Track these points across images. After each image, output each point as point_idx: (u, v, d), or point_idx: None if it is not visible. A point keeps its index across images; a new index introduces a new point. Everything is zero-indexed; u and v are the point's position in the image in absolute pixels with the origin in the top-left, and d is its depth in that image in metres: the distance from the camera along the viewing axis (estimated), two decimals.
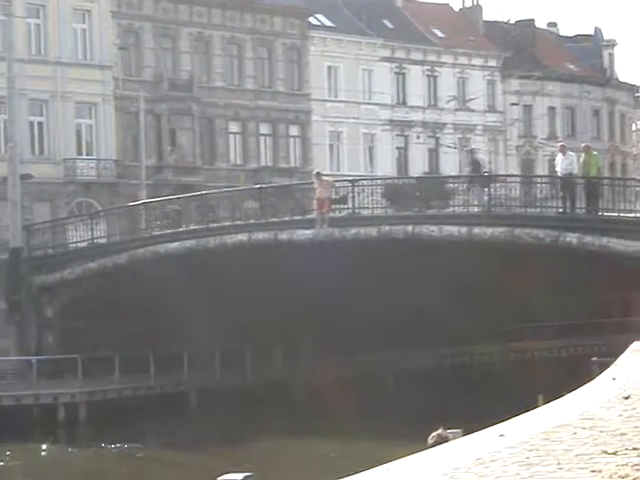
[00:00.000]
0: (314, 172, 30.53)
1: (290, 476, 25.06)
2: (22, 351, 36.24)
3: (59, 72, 44.86)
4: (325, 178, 31.47)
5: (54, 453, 29.81)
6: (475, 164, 33.29)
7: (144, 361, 34.74)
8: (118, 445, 30.12)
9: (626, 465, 6.61)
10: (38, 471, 27.97)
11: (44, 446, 30.36)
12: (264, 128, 51.77)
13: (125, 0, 47.38)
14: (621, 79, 69.02)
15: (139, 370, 34.63)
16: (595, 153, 31.35)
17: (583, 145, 31.13)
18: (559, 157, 29.95)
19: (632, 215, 28.54)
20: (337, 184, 34.37)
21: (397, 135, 56.63)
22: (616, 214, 29.07)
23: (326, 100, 53.76)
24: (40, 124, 44.80)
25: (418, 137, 56.96)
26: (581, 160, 29.68)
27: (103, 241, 37.43)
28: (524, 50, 63.25)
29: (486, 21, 63.61)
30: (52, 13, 44.95)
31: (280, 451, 29.46)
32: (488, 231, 30.03)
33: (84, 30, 46.13)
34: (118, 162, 45.87)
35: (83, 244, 37.50)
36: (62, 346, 35.27)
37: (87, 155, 45.98)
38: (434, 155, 57.80)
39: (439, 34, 59.47)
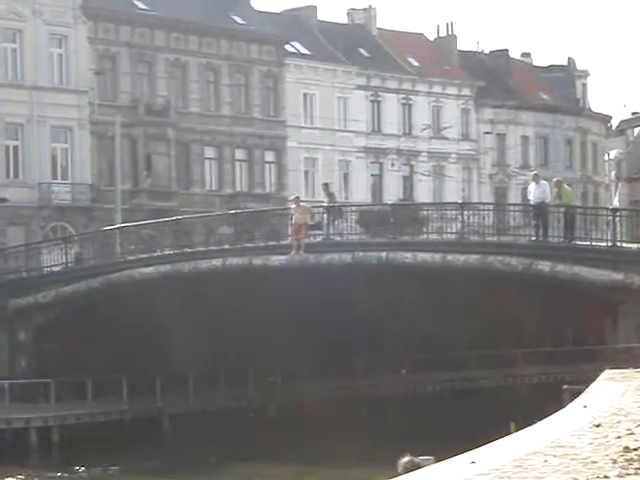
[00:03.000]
0: (293, 197, 30.72)
1: None
2: None
3: (35, 96, 44.92)
4: (303, 204, 31.60)
5: (26, 478, 29.62)
6: (330, 196, 34.47)
7: (117, 385, 34.66)
8: (91, 469, 30.01)
9: None
10: None
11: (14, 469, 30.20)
12: (240, 154, 51.96)
13: (102, 26, 47.56)
14: (594, 109, 69.67)
15: (112, 394, 34.55)
16: (567, 187, 31.66)
17: (555, 180, 31.37)
18: (532, 186, 30.22)
19: (603, 244, 28.80)
20: (314, 210, 34.56)
21: (372, 162, 56.94)
22: (588, 243, 29.33)
23: (302, 127, 54.04)
24: (15, 148, 44.79)
25: (393, 164, 57.29)
26: (553, 194, 29.96)
27: (77, 265, 37.38)
28: (498, 79, 63.79)
29: (460, 51, 64.11)
30: (29, 38, 45.04)
31: (254, 476, 29.46)
32: (462, 258, 30.23)
33: (60, 55, 46.22)
34: (93, 186, 45.89)
35: (57, 268, 37.46)
36: (35, 370, 35.14)
37: (62, 179, 45.98)
38: (408, 182, 58.12)
39: (414, 63, 59.93)
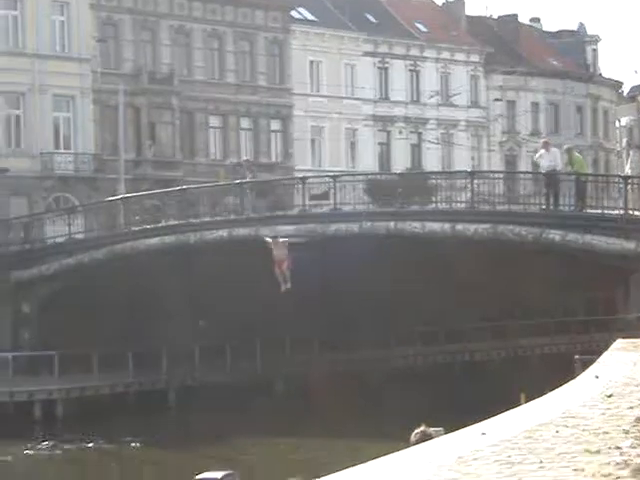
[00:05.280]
0: (268, 238, 30.43)
1: (271, 474, 24.76)
2: None
3: (37, 65, 44.42)
4: (280, 239, 31.08)
5: (30, 451, 29.36)
6: (252, 172, 35.21)
7: (122, 358, 34.35)
8: (96, 443, 29.74)
9: (609, 464, 6.50)
10: (13, 469, 27.52)
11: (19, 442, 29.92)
12: (245, 122, 51.47)
13: None
14: (604, 75, 69.04)
15: (117, 367, 34.23)
16: (578, 154, 31.21)
17: (565, 147, 31.00)
18: (541, 153, 29.78)
19: (615, 213, 28.31)
20: (319, 180, 34.21)
21: (379, 130, 56.42)
22: (599, 211, 28.88)
23: (308, 95, 53.49)
24: (17, 117, 44.37)
25: (401, 132, 56.76)
26: (564, 162, 29.56)
27: (81, 236, 37.08)
28: (507, 45, 63.18)
29: (469, 16, 63.52)
30: (30, 5, 44.52)
31: (261, 449, 29.21)
32: (471, 227, 29.86)
33: (62, 22, 45.69)
34: (96, 156, 45.48)
35: (61, 239, 37.13)
36: (39, 342, 34.86)
37: (65, 149, 45.57)
38: (417, 151, 57.62)
39: (422, 29, 59.29)
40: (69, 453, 29.24)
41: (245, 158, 40.63)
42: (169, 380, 35.09)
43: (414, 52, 57.74)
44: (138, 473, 26.63)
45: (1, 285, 36.42)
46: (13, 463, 27.84)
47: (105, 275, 34.43)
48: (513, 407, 10.33)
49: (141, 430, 30.74)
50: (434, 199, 33.32)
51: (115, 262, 34.93)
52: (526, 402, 12.20)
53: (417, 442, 9.37)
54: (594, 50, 68.14)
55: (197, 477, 14.66)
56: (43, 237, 38.08)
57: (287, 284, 30.52)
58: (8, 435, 29.51)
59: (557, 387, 11.52)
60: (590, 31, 69.45)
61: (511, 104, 61.64)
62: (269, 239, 30.94)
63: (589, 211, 28.93)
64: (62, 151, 45.31)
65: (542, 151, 29.79)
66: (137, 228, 35.74)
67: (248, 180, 35.31)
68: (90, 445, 29.42)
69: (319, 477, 7.02)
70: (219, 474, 14.70)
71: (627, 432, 7.78)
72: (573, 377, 13.09)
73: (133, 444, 29.32)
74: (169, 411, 34.02)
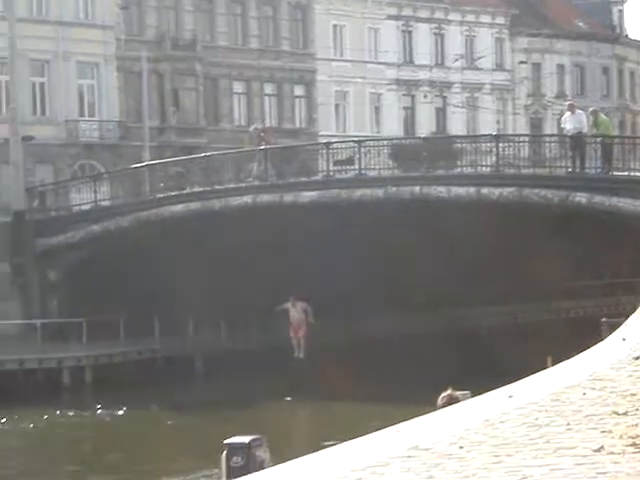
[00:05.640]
0: (287, 303, 29.71)
1: (298, 438, 24.91)
2: (26, 315, 36.05)
3: (60, 32, 44.43)
4: (300, 302, 30.67)
5: (58, 417, 29.63)
6: (261, 140, 35.69)
7: (149, 325, 34.51)
8: (124, 409, 29.98)
9: (636, 425, 6.49)
10: (42, 435, 27.80)
11: (48, 409, 30.20)
12: (269, 88, 51.33)
13: None
14: (631, 36, 68.41)
15: (144, 334, 34.40)
16: (604, 116, 30.99)
17: (591, 109, 30.79)
18: (567, 116, 29.60)
19: None
20: (343, 145, 34.06)
21: (404, 95, 56.14)
22: (626, 173, 28.73)
23: (331, 59, 53.26)
24: (42, 85, 44.42)
25: (425, 96, 56.46)
26: (590, 124, 29.38)
27: (106, 204, 37.22)
28: (532, 7, 62.65)
29: None
30: None
31: (288, 414, 29.35)
32: (496, 191, 29.79)
33: None
34: (121, 123, 45.53)
35: (86, 207, 37.27)
36: (66, 310, 35.10)
37: (89, 116, 45.65)
38: (441, 115, 57.33)
39: None
40: (98, 418, 29.52)
41: (254, 126, 40.49)
42: (196, 347, 35.25)
43: (438, 15, 57.32)
44: (167, 438, 26.80)
45: (28, 253, 36.67)
46: (40, 428, 28.12)
47: (131, 242, 34.55)
48: (540, 370, 10.30)
49: (169, 396, 30.96)
50: (459, 163, 33.20)
51: (141, 229, 35.04)
52: (553, 365, 12.17)
53: (444, 405, 9.39)
54: (620, 11, 67.43)
55: (225, 441, 14.75)
56: (69, 204, 38.24)
57: (300, 353, 29.99)
58: (38, 401, 29.84)
59: (584, 350, 11.48)
60: None
61: (536, 66, 61.18)
62: (288, 303, 30.44)
63: (615, 173, 28.78)
64: (87, 118, 45.40)
65: (567, 114, 29.62)
66: (162, 195, 35.83)
67: (270, 147, 35.21)
68: (120, 412, 29.66)
69: (350, 440, 7.04)
70: (247, 438, 14.79)
71: None
72: (600, 340, 13.04)
73: (160, 410, 29.54)
74: (196, 377, 34.19)
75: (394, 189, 31.47)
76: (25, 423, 28.38)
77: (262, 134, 37.82)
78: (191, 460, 22.59)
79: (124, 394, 30.42)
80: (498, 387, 8.82)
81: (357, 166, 33.38)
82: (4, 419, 28.37)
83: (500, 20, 59.87)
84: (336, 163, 34.74)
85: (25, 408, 29.44)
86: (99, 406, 30.11)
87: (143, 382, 31.42)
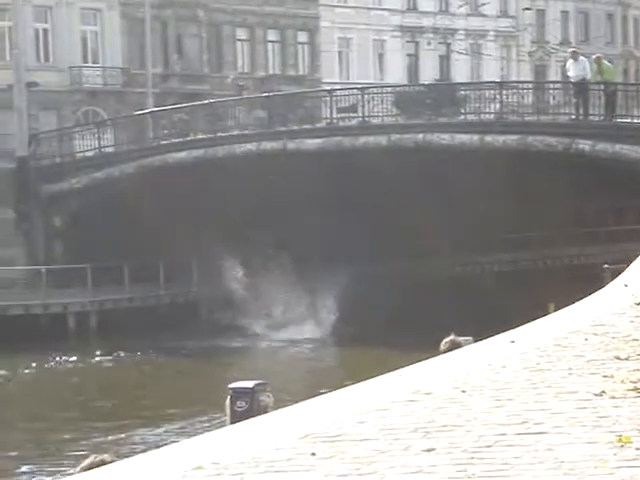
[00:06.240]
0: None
1: (302, 383, 25.14)
2: (31, 261, 36.21)
3: None
4: None
5: (63, 362, 29.90)
6: (241, 89, 35.77)
7: (154, 271, 34.66)
8: (129, 353, 30.25)
9: (638, 370, 6.57)
10: (46, 380, 28.07)
11: (53, 353, 30.47)
12: (272, 35, 51.01)
13: None
14: None
15: (149, 280, 34.58)
16: (607, 63, 30.87)
17: (594, 56, 30.65)
18: (570, 63, 29.52)
19: None
20: (346, 92, 34.00)
21: (407, 42, 55.80)
22: (629, 120, 28.70)
23: (335, 6, 52.87)
24: (45, 31, 44.14)
25: (429, 43, 56.12)
26: (593, 71, 29.27)
27: (110, 150, 37.22)
28: None
29: None
30: None
31: (292, 359, 29.59)
32: (500, 139, 29.80)
33: None
34: (124, 70, 45.32)
35: (90, 153, 37.28)
36: (71, 256, 35.21)
37: (93, 63, 45.42)
38: (445, 62, 57.02)
39: None
40: (102, 363, 29.77)
41: (232, 76, 40.44)
42: (200, 292, 35.42)
43: None
44: (172, 383, 27.08)
45: (33, 199, 36.75)
46: (40, 374, 28.37)
47: (135, 189, 34.58)
48: (542, 317, 10.40)
49: (174, 341, 31.22)
50: (463, 111, 33.11)
51: (144, 176, 35.06)
52: (555, 312, 12.28)
53: (446, 351, 9.42)
54: None
55: (230, 386, 14.93)
56: (73, 151, 38.23)
57: None
58: (42, 347, 30.10)
59: (586, 297, 11.57)
60: None
61: (540, 13, 60.72)
62: None
63: (619, 120, 28.75)
64: (90, 65, 45.19)
65: (570, 61, 29.54)
66: (166, 142, 35.83)
67: (276, 94, 35.12)
68: (122, 355, 29.93)
69: (353, 384, 7.17)
70: (251, 383, 14.96)
71: None
72: (602, 286, 13.14)
73: (164, 355, 29.81)
74: (200, 322, 34.41)
75: (397, 136, 31.46)
76: (27, 368, 28.65)
77: (239, 83, 37.96)
78: (194, 404, 22.82)
79: (128, 339, 30.68)
80: (500, 333, 8.92)
81: (360, 113, 33.33)
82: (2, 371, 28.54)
83: None
84: (339, 110, 34.66)
85: (29, 353, 29.75)
86: (98, 352, 30.35)
87: (148, 328, 31.65)
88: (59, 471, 17.41)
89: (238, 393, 14.57)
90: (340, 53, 53.37)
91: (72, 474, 7.46)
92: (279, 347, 31.19)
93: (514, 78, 55.39)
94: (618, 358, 7.04)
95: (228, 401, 14.55)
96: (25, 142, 37.44)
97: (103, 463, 6.11)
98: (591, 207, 41.84)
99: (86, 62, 45.13)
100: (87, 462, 6.48)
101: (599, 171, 30.10)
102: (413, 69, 55.99)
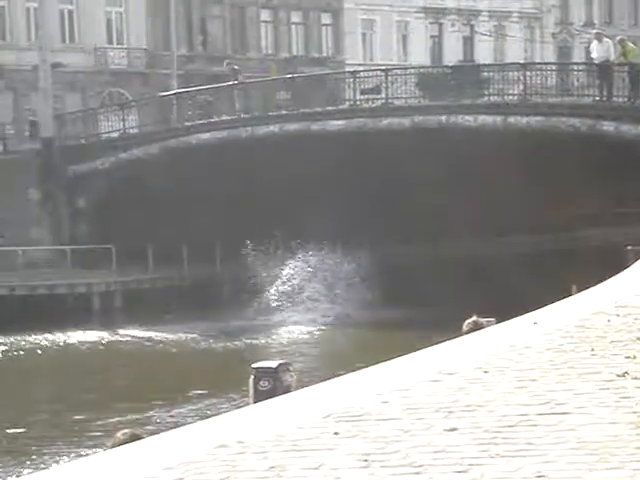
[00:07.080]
0: None
1: (325, 364, 25.23)
2: (55, 241, 36.41)
3: None
4: None
5: (88, 340, 30.15)
6: (236, 74, 35.75)
7: (177, 252, 34.78)
8: (153, 333, 30.45)
9: None
10: (73, 357, 28.30)
11: (78, 333, 30.69)
12: (296, 16, 50.96)
13: None
14: None
15: (172, 261, 34.70)
16: (632, 45, 30.74)
17: (618, 38, 30.52)
18: (594, 44, 29.42)
19: None
20: (370, 74, 33.97)
21: (431, 23, 55.63)
22: None
23: None
24: (70, 12, 44.27)
25: (453, 25, 55.93)
26: (617, 53, 29.17)
27: (135, 131, 37.32)
28: None
29: None
30: None
31: (314, 340, 29.70)
32: (524, 120, 29.73)
33: None
34: (148, 51, 45.41)
35: (115, 134, 37.41)
36: (95, 236, 35.37)
37: (117, 44, 45.54)
38: (469, 43, 56.82)
39: None
40: (125, 342, 30.00)
41: (227, 61, 40.55)
42: (223, 274, 35.52)
43: None
44: (196, 362, 27.25)
45: (58, 179, 36.94)
46: (67, 350, 28.64)
47: (159, 170, 34.69)
48: (564, 298, 10.42)
49: (198, 322, 31.38)
50: (486, 92, 33.03)
51: (168, 157, 35.16)
52: (577, 293, 12.29)
53: (469, 332, 9.41)
54: None
55: (253, 366, 15.01)
56: (98, 132, 38.38)
57: None
58: (68, 325, 30.36)
59: (608, 278, 11.57)
60: None
61: None
62: None
63: None
64: (115, 46, 45.31)
65: (595, 42, 29.43)
66: (189, 123, 35.90)
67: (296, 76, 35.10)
68: (148, 335, 30.15)
69: (375, 364, 7.22)
70: (274, 363, 15.05)
71: None
72: (625, 267, 13.13)
73: (189, 335, 29.99)
74: (223, 303, 34.53)
75: (421, 118, 31.42)
76: (52, 346, 28.92)
77: (235, 67, 38.01)
78: (216, 384, 22.94)
79: (153, 320, 30.87)
80: (523, 314, 8.94)
81: (384, 95, 33.29)
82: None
83: None
84: (363, 92, 34.64)
85: (55, 332, 30.01)
86: (121, 332, 30.56)
87: (171, 308, 31.84)
88: (79, 451, 17.51)
89: (261, 373, 14.65)
90: (364, 34, 53.27)
91: (101, 450, 7.56)
92: (301, 328, 31.29)
93: (538, 59, 55.03)
94: None
95: (251, 381, 14.63)
96: (50, 123, 37.60)
97: (137, 438, 6.17)
98: (614, 189, 41.61)
99: (111, 43, 45.28)
100: (120, 436, 6.55)
101: (622, 152, 29.99)
102: (437, 50, 55.83)
